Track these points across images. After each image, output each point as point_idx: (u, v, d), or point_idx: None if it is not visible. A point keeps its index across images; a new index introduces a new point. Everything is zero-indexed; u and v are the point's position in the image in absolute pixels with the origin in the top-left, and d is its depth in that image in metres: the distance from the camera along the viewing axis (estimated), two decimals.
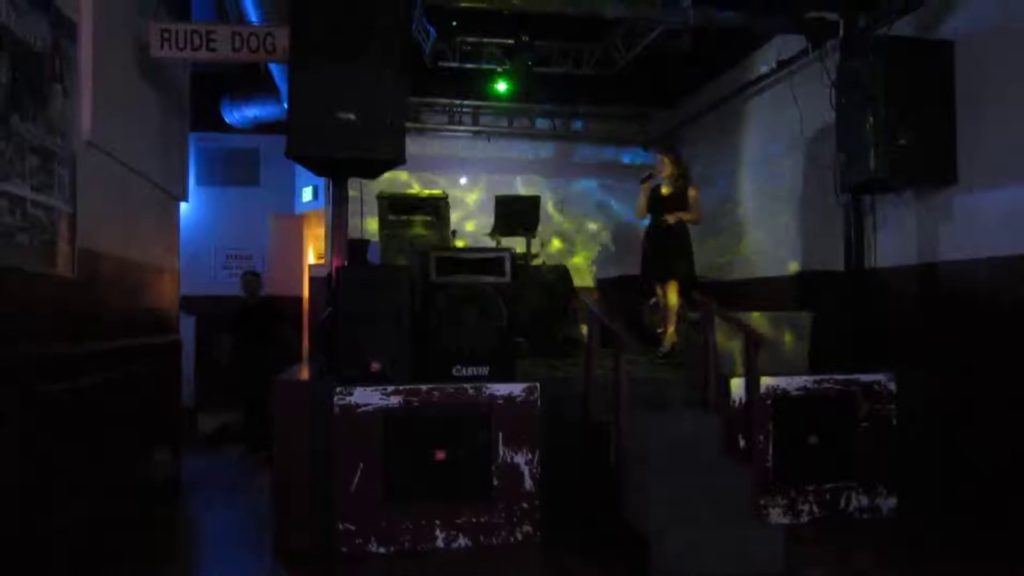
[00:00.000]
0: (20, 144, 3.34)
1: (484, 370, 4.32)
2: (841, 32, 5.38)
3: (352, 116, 4.01)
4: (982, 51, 4.61)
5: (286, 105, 7.83)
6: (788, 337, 4.93)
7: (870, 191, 5.27)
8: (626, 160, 9.20)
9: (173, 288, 6.29)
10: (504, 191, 8.27)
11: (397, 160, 4.10)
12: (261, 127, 9.21)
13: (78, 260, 4.02)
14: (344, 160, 4.16)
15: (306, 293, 9.18)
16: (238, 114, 9.02)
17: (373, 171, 4.67)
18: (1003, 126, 4.44)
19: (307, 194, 9.60)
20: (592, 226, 9.06)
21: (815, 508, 4.68)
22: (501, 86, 7.86)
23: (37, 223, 3.52)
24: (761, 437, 4.52)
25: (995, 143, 4.49)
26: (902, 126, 4.66)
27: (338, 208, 4.47)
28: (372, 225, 7.50)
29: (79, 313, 4.12)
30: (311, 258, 10.50)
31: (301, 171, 9.49)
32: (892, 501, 4.75)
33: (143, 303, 5.44)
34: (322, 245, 10.51)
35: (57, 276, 3.80)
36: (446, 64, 7.23)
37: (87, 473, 4.10)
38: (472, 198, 8.65)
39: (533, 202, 7.20)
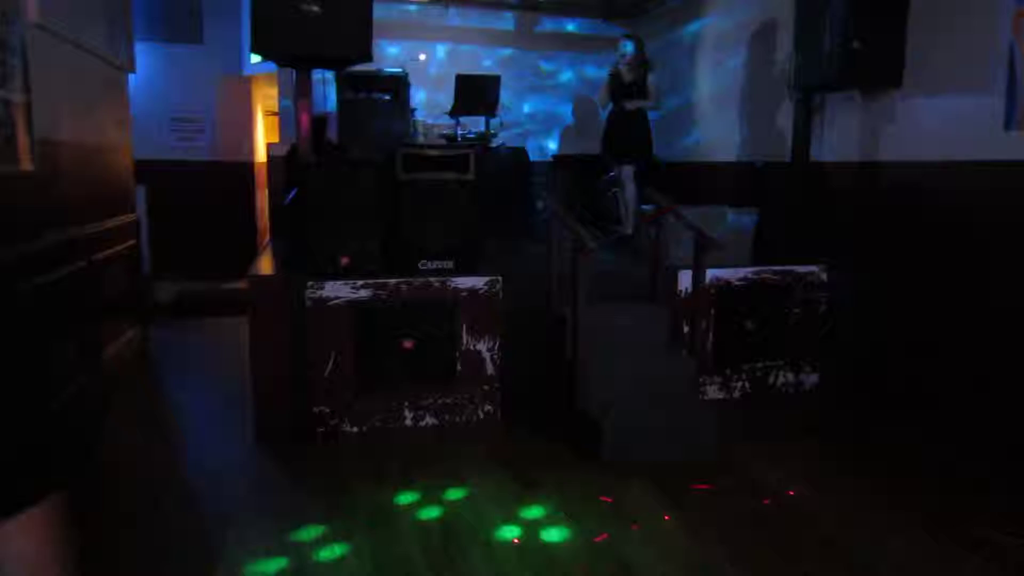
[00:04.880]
0: None
1: (449, 264, 4.53)
2: None
3: (315, 8, 3.90)
4: None
5: None
6: (734, 232, 5.26)
7: (821, 90, 5.40)
8: (588, 32, 8.99)
9: (128, 165, 6.18)
10: (462, 65, 8.09)
11: (363, 59, 4.04)
12: None
13: (37, 152, 3.97)
14: (309, 55, 4.08)
15: (262, 172, 9.06)
16: None
17: (339, 65, 4.59)
18: (949, 36, 4.56)
19: (255, 55, 9.17)
20: (552, 101, 8.98)
21: (746, 384, 5.21)
22: None
23: None
24: (703, 324, 4.93)
25: (940, 53, 4.62)
26: (856, 30, 4.74)
27: (303, 99, 4.42)
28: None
29: (42, 206, 4.12)
30: (259, 122, 10.21)
31: (249, 30, 9.04)
32: (814, 378, 5.33)
33: (103, 187, 5.38)
34: (271, 106, 10.17)
35: (20, 172, 3.77)
36: None
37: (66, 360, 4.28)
38: (429, 70, 8.42)
39: (493, 82, 7.12)
